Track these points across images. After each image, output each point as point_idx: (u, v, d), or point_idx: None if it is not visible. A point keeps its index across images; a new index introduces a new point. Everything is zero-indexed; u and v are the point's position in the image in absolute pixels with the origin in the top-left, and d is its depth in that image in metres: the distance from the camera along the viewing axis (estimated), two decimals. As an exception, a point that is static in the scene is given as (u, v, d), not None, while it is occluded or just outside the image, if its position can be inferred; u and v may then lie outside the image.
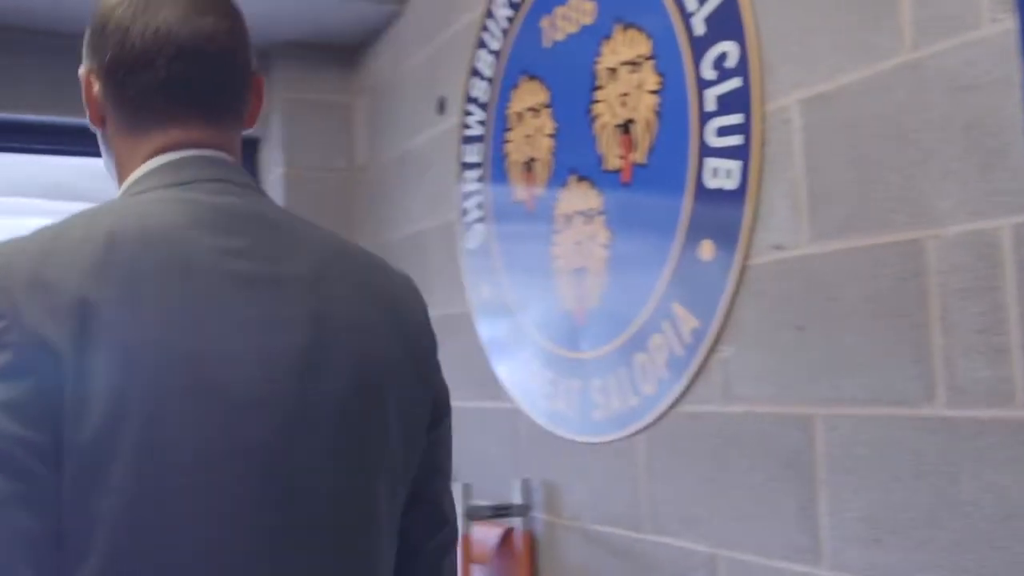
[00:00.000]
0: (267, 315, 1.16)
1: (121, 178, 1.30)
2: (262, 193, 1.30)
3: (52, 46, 3.61)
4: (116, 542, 1.05)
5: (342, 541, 1.18)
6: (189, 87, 1.26)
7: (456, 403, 2.99)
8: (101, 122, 1.32)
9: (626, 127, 2.28)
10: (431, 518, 1.36)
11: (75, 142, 3.87)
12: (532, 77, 2.65)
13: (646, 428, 2.25)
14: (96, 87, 1.30)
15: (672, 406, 2.17)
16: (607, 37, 2.36)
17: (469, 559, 2.67)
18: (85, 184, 4.66)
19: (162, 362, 1.08)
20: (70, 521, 1.05)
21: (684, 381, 2.13)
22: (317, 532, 1.15)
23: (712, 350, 2.06)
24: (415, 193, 3.31)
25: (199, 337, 1.11)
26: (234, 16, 1.31)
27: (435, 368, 1.35)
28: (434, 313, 2.71)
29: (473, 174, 2.91)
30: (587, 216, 2.40)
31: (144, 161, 1.27)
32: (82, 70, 1.32)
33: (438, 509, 1.37)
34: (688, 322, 2.10)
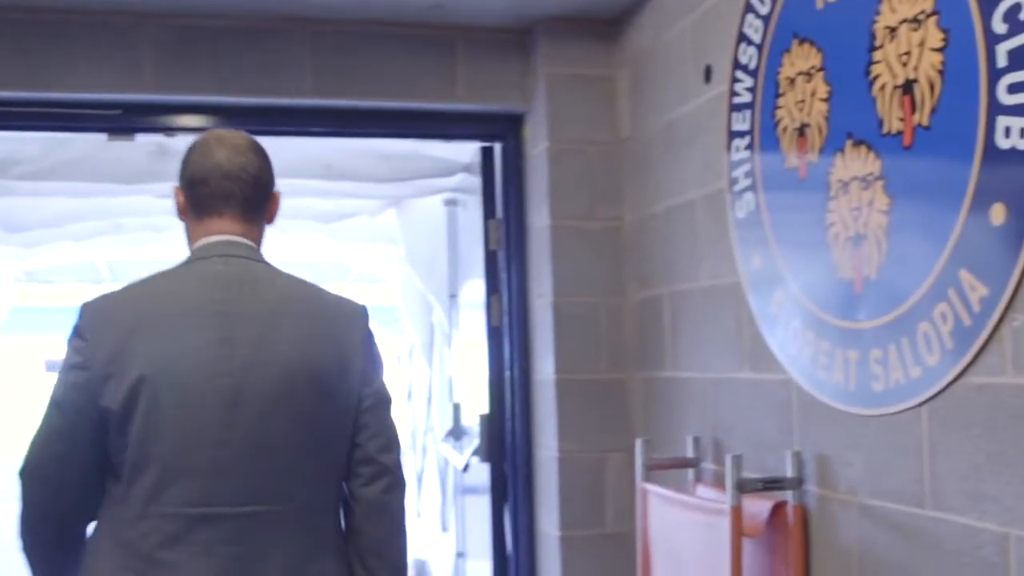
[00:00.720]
0: (229, 335, 2.12)
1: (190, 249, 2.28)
2: (257, 260, 2.25)
3: (321, 34, 3.77)
4: (135, 453, 2.07)
5: (268, 472, 2.11)
6: (227, 197, 2.23)
7: (726, 374, 2.99)
8: (185, 216, 2.29)
9: (907, 88, 2.19)
10: (368, 465, 2.21)
11: (345, 124, 4.03)
12: (804, 40, 2.58)
13: (929, 400, 2.16)
14: (181, 197, 2.28)
15: (958, 377, 2.08)
16: (886, -5, 2.27)
17: (739, 532, 2.64)
18: (355, 163, 4.84)
19: (159, 365, 2.08)
20: (115, 446, 2.09)
21: (971, 352, 2.03)
22: (247, 464, 2.09)
23: (1003, 319, 1.96)
24: (681, 163, 3.29)
25: (183, 348, 2.11)
26: (261, 156, 2.29)
27: (359, 367, 2.23)
28: (703, 284, 2.71)
29: (742, 142, 2.87)
30: (865, 182, 2.33)
31: (197, 241, 2.26)
32: (174, 187, 2.29)
33: (376, 462, 2.22)
34: (976, 290, 2.01)
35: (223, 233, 2.23)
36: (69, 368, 2.13)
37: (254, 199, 2.26)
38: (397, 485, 2.24)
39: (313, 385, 2.15)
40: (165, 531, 2.07)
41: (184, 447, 2.08)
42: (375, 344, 2.30)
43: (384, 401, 2.27)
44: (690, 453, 3.19)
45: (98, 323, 2.13)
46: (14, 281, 6.87)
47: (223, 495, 2.08)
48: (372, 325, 2.30)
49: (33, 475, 2.11)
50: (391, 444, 2.26)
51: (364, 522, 2.22)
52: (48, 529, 2.15)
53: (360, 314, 2.29)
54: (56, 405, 2.12)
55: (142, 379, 2.06)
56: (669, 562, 3.06)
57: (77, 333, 2.14)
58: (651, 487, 3.16)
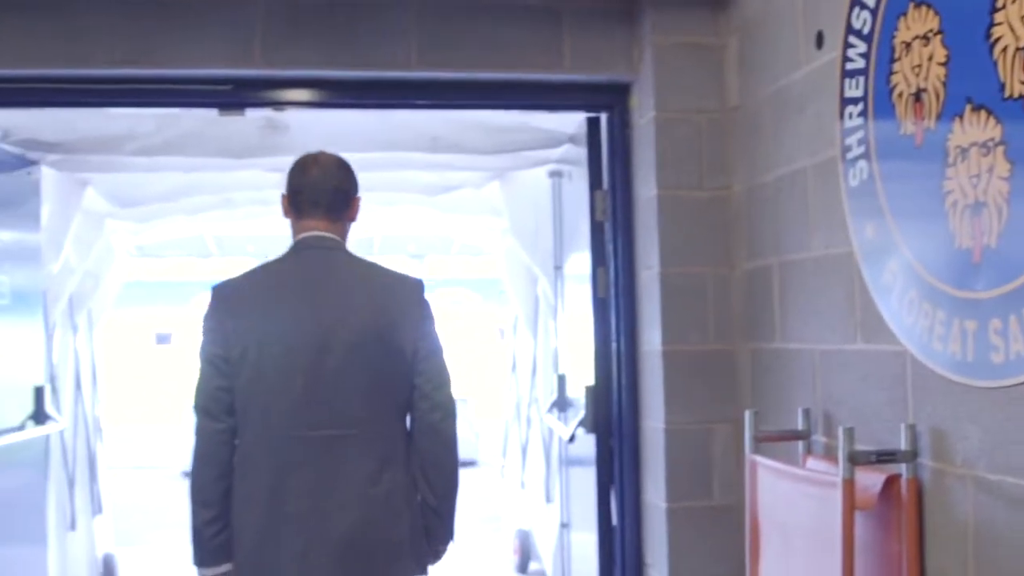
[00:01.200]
0: (315, 303, 2.96)
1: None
2: (338, 249, 3.08)
3: (426, 6, 3.79)
4: (249, 391, 2.93)
5: (354, 420, 2.93)
6: (315, 203, 3.06)
7: (837, 346, 2.95)
8: (289, 215, 3.11)
9: (1031, 50, 2.13)
10: (425, 401, 3.00)
11: (451, 96, 4.04)
12: (920, 3, 2.52)
13: (1052, 372, 2.10)
14: (285, 202, 3.12)
15: (1083, 348, 2.02)
16: (1008, -46, 2.20)
17: (852, 505, 2.60)
18: (461, 136, 4.85)
19: (263, 328, 2.94)
20: (238, 387, 2.92)
21: (1097, 321, 1.97)
22: (337, 416, 2.92)
23: None
24: (792, 132, 3.24)
25: (281, 314, 2.96)
26: (344, 171, 3.13)
27: (411, 327, 3.00)
28: (813, 254, 2.60)
29: (855, 109, 2.81)
30: (985, 148, 2.27)
31: (296, 236, 3.09)
32: (282, 194, 3.12)
33: (431, 398, 3.00)
34: (1103, 258, 1.95)
35: (315, 230, 3.07)
36: (207, 331, 3.00)
37: (336, 204, 3.09)
38: (449, 415, 3.05)
39: (379, 341, 2.97)
40: (273, 448, 2.93)
41: (283, 388, 2.94)
42: (428, 307, 3.08)
43: (436, 351, 3.05)
44: (800, 425, 3.16)
45: (225, 297, 3.04)
46: (127, 256, 7.03)
47: (312, 422, 2.93)
48: (427, 294, 3.10)
49: (200, 410, 2.97)
50: (443, 384, 3.04)
51: (423, 444, 3.03)
52: (213, 450, 2.96)
53: (416, 286, 3.11)
54: (204, 360, 2.99)
55: (253, 336, 2.95)
56: (778, 534, 3.04)
57: (211, 306, 3.03)
58: (760, 459, 3.13)
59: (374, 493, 2.94)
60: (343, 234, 3.12)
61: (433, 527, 3.07)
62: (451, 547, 3.17)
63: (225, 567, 2.96)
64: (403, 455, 3.01)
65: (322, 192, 3.07)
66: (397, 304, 3.03)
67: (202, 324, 3.01)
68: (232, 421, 2.95)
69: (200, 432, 2.97)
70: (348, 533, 2.92)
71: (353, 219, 3.15)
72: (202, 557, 2.98)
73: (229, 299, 3.02)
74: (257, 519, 2.92)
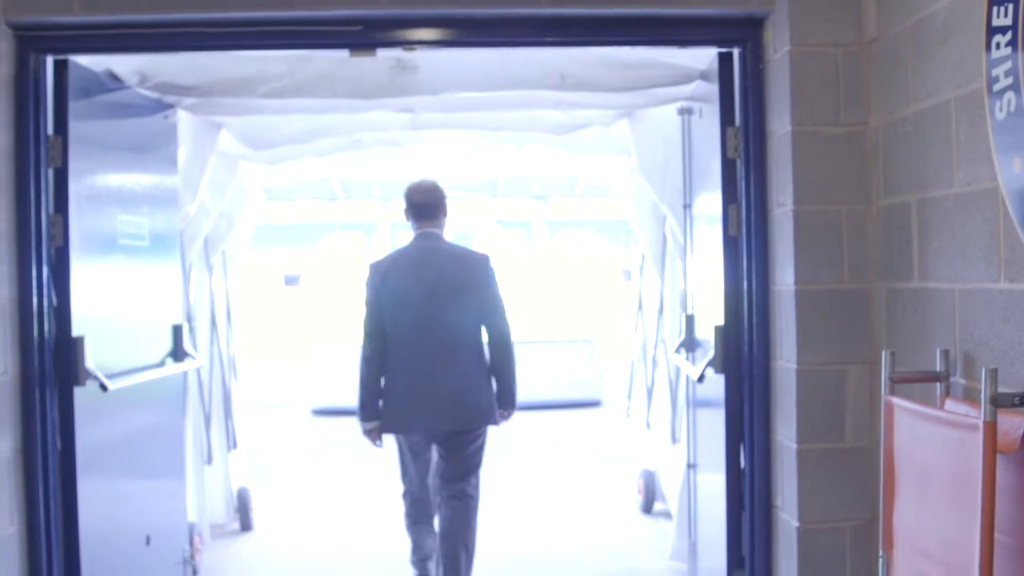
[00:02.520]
0: (426, 272, 5.26)
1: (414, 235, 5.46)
2: (439, 239, 5.38)
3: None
4: (389, 327, 5.27)
5: (450, 334, 5.25)
6: (424, 215, 5.36)
7: (980, 285, 2.87)
8: (409, 219, 5.40)
9: None
10: (492, 325, 5.30)
11: (580, 33, 4.00)
12: (1077, -75, 2.40)
13: None
14: (407, 212, 5.40)
15: None
16: None
17: (993, 448, 2.53)
18: (589, 73, 4.80)
19: (398, 287, 5.26)
20: (385, 325, 5.31)
21: None
22: (440, 333, 5.23)
23: None
24: (933, 64, 3.13)
25: (408, 278, 5.27)
26: (439, 192, 5.41)
27: (481, 283, 5.29)
28: (956, 191, 2.54)
29: (1003, 38, 2.69)
30: None
31: (415, 232, 5.39)
32: (404, 209, 5.41)
33: (493, 323, 5.30)
34: None
35: (425, 227, 5.30)
36: (368, 290, 5.25)
37: (435, 213, 5.33)
38: (507, 334, 5.27)
39: (462, 292, 5.20)
40: (407, 355, 5.19)
41: (410, 320, 5.19)
42: (492, 271, 5.29)
43: (497, 296, 5.26)
44: (937, 367, 3.08)
45: (376, 269, 5.30)
46: (259, 198, 7.16)
47: (428, 338, 5.18)
48: (492, 264, 5.31)
49: (366, 335, 5.24)
50: (502, 316, 5.27)
51: (493, 348, 5.27)
52: (375, 353, 5.21)
53: (485, 259, 5.33)
54: (367, 307, 5.25)
55: (392, 292, 5.22)
56: (913, 477, 2.98)
57: (369, 275, 5.28)
58: (897, 400, 3.07)
59: (465, 376, 5.22)
60: (441, 227, 5.36)
61: (502, 396, 5.29)
62: (514, 413, 5.40)
63: (375, 423, 5.24)
64: (481, 356, 5.26)
65: (428, 207, 5.31)
66: (473, 270, 5.27)
67: (365, 286, 5.25)
68: (383, 342, 5.18)
69: (366, 348, 5.23)
70: (451, 398, 5.20)
71: (446, 216, 5.37)
72: (365, 416, 5.25)
73: (379, 270, 5.26)
74: (399, 394, 5.18)
